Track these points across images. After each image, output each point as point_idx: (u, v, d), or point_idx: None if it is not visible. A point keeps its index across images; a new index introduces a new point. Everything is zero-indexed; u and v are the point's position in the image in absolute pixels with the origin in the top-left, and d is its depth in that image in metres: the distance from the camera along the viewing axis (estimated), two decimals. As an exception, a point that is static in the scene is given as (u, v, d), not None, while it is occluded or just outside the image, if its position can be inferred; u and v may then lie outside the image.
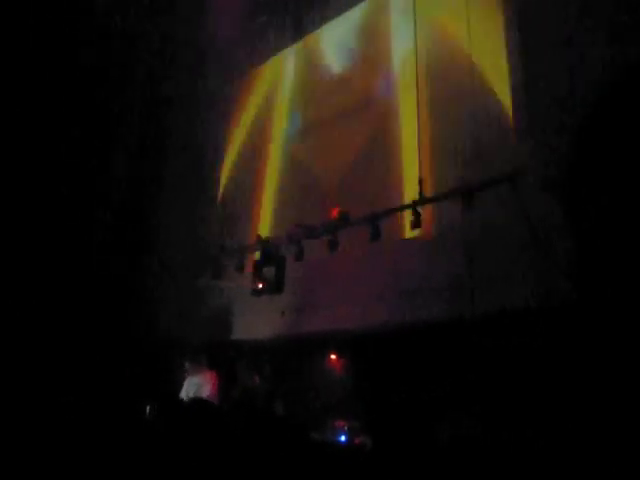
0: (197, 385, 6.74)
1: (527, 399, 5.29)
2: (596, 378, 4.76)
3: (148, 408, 6.17)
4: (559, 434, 4.86)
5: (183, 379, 6.91)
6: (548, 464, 4.74)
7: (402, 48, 7.60)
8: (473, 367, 5.74)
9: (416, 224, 6.74)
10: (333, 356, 7.45)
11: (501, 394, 5.49)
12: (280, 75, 9.34)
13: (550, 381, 5.12)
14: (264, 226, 8.94)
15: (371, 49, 8.05)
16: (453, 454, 5.27)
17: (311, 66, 8.79)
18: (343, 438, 6.16)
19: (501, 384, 5.51)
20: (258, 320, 8.50)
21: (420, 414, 6.02)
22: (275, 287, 8.25)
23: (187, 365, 6.88)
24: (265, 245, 8.52)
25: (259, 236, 8.66)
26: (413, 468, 5.30)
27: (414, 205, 6.81)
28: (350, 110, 8.01)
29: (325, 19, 8.70)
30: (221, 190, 9.90)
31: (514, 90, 6.12)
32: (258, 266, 8.49)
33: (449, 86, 6.85)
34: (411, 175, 7.11)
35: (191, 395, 6.62)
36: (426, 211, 6.77)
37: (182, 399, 6.71)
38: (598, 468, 4.44)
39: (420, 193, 6.85)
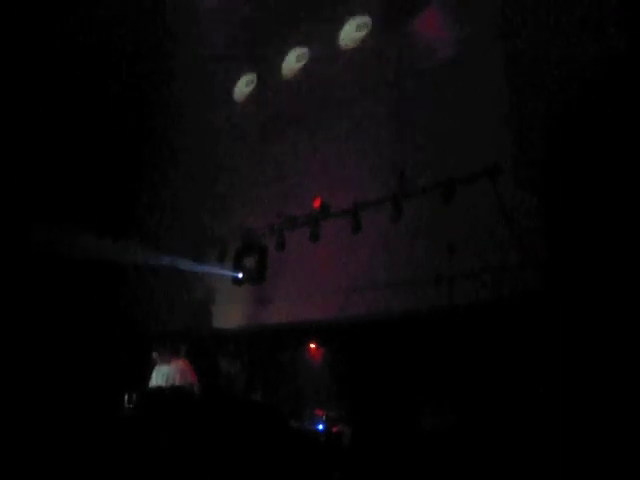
0: (167, 374, 6.71)
1: (505, 388, 5.40)
2: (570, 367, 4.89)
3: (126, 397, 6.19)
4: (537, 422, 4.99)
5: (152, 368, 6.90)
6: (528, 451, 4.87)
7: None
8: (452, 357, 5.84)
9: (397, 216, 6.80)
10: (312, 346, 7.51)
11: (480, 383, 5.60)
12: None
13: (526, 370, 5.24)
14: (246, 215, 8.92)
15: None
16: (433, 442, 5.38)
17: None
18: (321, 427, 6.24)
19: (479, 374, 5.62)
20: (238, 309, 8.53)
21: (400, 403, 6.12)
22: (256, 277, 8.27)
23: (154, 355, 6.86)
24: (246, 235, 8.53)
25: (241, 225, 8.65)
26: (393, 456, 5.40)
27: (395, 197, 6.87)
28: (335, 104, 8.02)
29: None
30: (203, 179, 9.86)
31: (496, 89, 6.18)
32: (239, 255, 8.50)
33: (431, 83, 6.90)
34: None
35: (161, 384, 6.61)
36: (407, 203, 6.84)
37: (160, 388, 6.71)
38: (575, 453, 4.58)
39: (401, 186, 6.92)
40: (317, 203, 7.68)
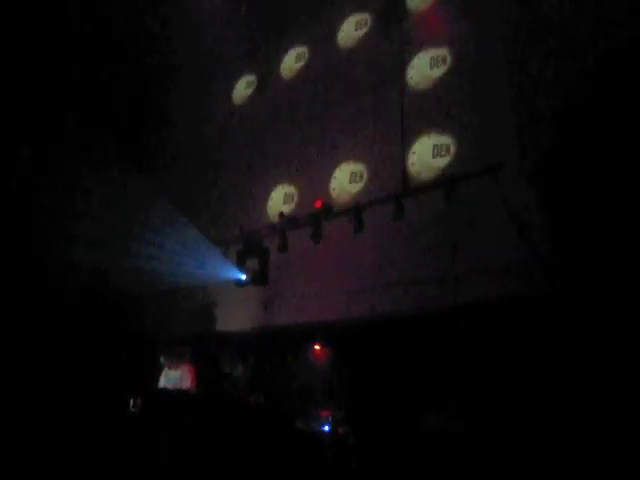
0: (174, 378, 6.70)
1: (509, 388, 5.36)
2: (576, 366, 4.84)
3: (131, 401, 6.17)
4: (542, 423, 4.94)
5: (159, 373, 6.89)
6: (531, 454, 4.82)
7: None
8: (456, 357, 5.80)
9: (399, 215, 6.76)
10: (317, 347, 7.46)
11: (484, 384, 5.55)
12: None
13: (532, 370, 5.19)
14: (247, 217, 8.87)
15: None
16: (436, 444, 5.35)
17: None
18: (327, 428, 6.20)
19: (484, 374, 5.57)
20: (242, 312, 8.49)
21: (404, 404, 6.08)
22: (259, 279, 8.22)
23: (162, 359, 6.84)
24: (248, 236, 8.48)
25: (242, 227, 8.61)
26: (396, 457, 5.36)
27: (397, 197, 6.83)
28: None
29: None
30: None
31: (498, 85, 6.14)
32: (241, 257, 8.45)
33: (433, 79, 6.87)
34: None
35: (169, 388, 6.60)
36: (409, 202, 6.79)
37: (164, 390, 6.70)
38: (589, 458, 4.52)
39: (403, 185, 6.88)
40: (319, 204, 7.63)
